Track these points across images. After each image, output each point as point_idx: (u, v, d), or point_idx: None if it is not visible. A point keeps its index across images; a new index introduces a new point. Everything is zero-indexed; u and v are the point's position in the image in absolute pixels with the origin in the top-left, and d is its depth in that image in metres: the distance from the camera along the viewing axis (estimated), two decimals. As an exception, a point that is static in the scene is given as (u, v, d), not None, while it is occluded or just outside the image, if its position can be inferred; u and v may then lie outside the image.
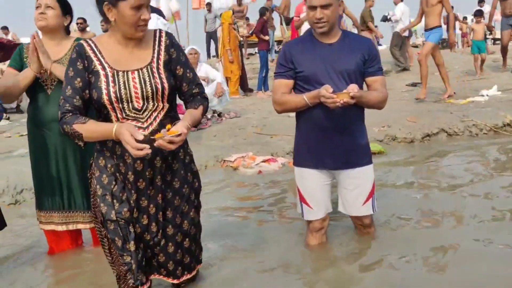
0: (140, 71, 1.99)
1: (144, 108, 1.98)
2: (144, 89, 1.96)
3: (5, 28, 9.88)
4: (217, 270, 2.65)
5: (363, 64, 2.60)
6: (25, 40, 13.21)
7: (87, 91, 1.98)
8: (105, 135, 1.92)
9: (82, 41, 2.05)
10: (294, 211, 3.42)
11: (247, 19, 14.98)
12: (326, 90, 2.36)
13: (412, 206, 3.56)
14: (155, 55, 2.04)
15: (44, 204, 2.91)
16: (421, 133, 5.84)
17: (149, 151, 1.80)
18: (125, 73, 1.97)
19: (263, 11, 10.49)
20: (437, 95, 7.88)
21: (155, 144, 1.84)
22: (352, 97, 2.34)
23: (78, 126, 1.92)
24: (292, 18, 9.71)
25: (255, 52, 13.61)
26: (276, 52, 12.67)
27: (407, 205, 3.58)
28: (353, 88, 2.36)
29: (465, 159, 4.94)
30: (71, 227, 2.92)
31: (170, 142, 1.84)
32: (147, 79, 1.98)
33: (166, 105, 2.03)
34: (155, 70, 2.00)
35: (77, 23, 9.98)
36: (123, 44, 2.02)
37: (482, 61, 10.44)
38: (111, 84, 1.95)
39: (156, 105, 2.00)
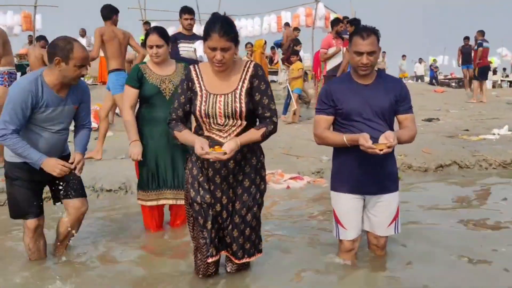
0: (226, 95, 2.57)
1: (225, 123, 2.58)
2: (226, 110, 2.56)
3: (42, 39, 10.45)
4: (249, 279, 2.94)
5: (395, 103, 2.87)
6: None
7: (188, 105, 2.65)
8: (190, 143, 2.56)
9: (190, 67, 2.70)
10: (320, 224, 3.88)
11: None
12: (365, 140, 2.58)
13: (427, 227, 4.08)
14: (240, 83, 2.60)
15: (145, 184, 3.73)
16: (435, 164, 6.38)
17: (207, 156, 2.42)
18: (215, 96, 2.58)
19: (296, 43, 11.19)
20: (451, 130, 8.42)
21: (207, 156, 2.43)
22: (389, 147, 2.58)
23: (176, 133, 2.63)
24: (297, 52, 10.38)
25: (276, 80, 14.15)
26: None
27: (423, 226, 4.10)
28: (389, 137, 2.59)
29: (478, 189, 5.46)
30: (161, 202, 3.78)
31: (217, 159, 2.43)
32: (230, 102, 2.56)
33: (244, 122, 2.60)
34: (237, 95, 2.57)
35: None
36: (216, 72, 2.61)
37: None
38: (203, 104, 2.57)
39: (235, 122, 2.58)
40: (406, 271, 3.14)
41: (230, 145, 2.45)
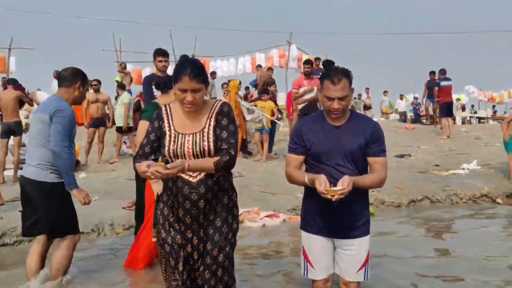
0: (194, 135, 2.61)
1: None
2: (194, 149, 2.59)
3: (13, 82, 10.33)
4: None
5: (366, 145, 2.72)
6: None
7: (156, 143, 2.67)
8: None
9: (162, 106, 2.74)
10: (295, 262, 3.87)
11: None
12: (319, 183, 2.51)
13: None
14: (208, 121, 2.65)
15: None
16: (407, 199, 6.51)
17: (148, 174, 2.38)
18: (184, 135, 2.62)
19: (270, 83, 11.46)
20: (422, 166, 8.63)
21: (149, 170, 2.40)
22: (341, 193, 2.47)
23: (136, 165, 2.56)
24: (267, 91, 10.64)
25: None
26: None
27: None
28: (345, 183, 2.51)
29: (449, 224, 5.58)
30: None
31: (156, 171, 2.40)
32: (198, 141, 2.59)
33: None
34: (205, 134, 2.61)
35: (91, 85, 10.78)
36: (187, 113, 2.64)
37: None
38: (172, 143, 2.60)
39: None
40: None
41: (175, 162, 2.44)
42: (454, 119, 14.39)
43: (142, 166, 2.43)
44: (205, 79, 2.56)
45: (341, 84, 2.67)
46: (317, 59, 12.60)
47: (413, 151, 10.79)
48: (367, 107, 20.65)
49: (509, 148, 7.42)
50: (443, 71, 12.70)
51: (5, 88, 9.51)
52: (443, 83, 12.59)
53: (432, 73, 14.06)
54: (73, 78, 3.65)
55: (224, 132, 2.63)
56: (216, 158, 2.55)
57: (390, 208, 6.40)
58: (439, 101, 12.86)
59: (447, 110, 12.71)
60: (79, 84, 3.65)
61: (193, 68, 2.50)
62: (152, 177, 2.42)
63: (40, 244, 3.61)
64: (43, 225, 3.50)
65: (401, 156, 10.00)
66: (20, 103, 9.34)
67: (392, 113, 22.27)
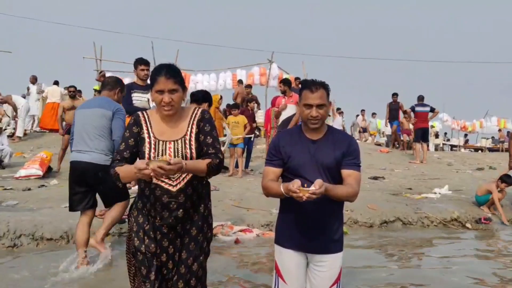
0: (175, 142, 2.58)
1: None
2: (176, 157, 2.52)
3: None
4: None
5: (341, 158, 2.75)
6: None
7: (135, 149, 2.60)
8: (131, 172, 2.42)
9: (139, 112, 2.69)
10: (266, 278, 3.86)
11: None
12: (293, 185, 2.50)
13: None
14: (189, 128, 2.62)
15: None
16: (379, 220, 6.58)
17: (148, 171, 2.28)
18: (164, 142, 2.58)
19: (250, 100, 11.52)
20: (395, 189, 8.76)
21: (149, 167, 2.30)
22: (313, 193, 2.47)
23: (117, 169, 2.52)
24: (238, 105, 10.71)
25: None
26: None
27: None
28: (317, 184, 2.50)
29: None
30: None
31: (160, 167, 2.30)
32: (180, 149, 2.57)
33: None
34: (187, 141, 2.59)
35: (69, 91, 10.66)
36: (165, 119, 2.63)
37: None
38: (153, 150, 2.55)
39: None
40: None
41: (177, 159, 2.37)
42: (427, 145, 14.69)
43: (137, 163, 2.34)
44: (181, 81, 2.56)
45: (319, 92, 2.73)
46: (297, 78, 12.80)
47: (387, 173, 10.96)
48: (362, 130, 20.15)
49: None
50: (420, 97, 12.99)
51: None
52: (418, 108, 12.87)
53: (395, 95, 14.52)
54: (115, 85, 4.53)
55: (208, 138, 2.63)
56: (208, 160, 2.54)
57: (362, 228, 6.45)
58: (414, 126, 13.14)
59: (421, 135, 12.97)
60: (118, 90, 4.52)
61: (168, 70, 2.53)
62: (151, 175, 2.32)
63: (88, 216, 4.31)
64: (107, 198, 4.40)
65: (375, 178, 10.14)
66: None
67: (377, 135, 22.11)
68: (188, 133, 2.62)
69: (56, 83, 14.67)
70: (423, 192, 8.54)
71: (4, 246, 4.72)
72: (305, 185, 2.54)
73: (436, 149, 22.54)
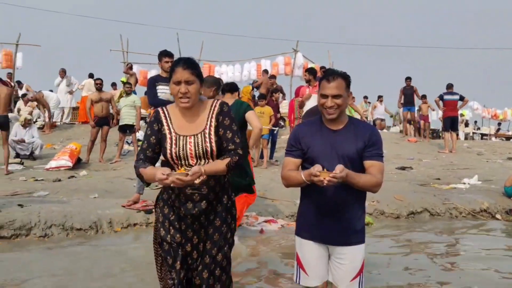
0: (195, 136, 2.61)
1: (197, 164, 2.59)
2: (197, 151, 2.58)
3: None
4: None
5: (363, 149, 2.71)
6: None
7: (158, 146, 2.65)
8: (154, 177, 2.49)
9: (159, 109, 2.72)
10: (290, 269, 3.86)
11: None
12: (314, 168, 2.50)
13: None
14: (208, 122, 2.64)
15: None
16: (406, 211, 6.49)
17: (168, 181, 2.36)
18: (185, 137, 2.61)
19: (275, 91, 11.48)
20: (423, 179, 8.62)
21: (169, 179, 2.37)
22: (333, 177, 2.46)
23: (141, 170, 2.57)
24: (264, 96, 10.66)
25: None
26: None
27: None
28: (338, 169, 2.49)
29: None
30: None
31: (178, 179, 2.39)
32: (200, 143, 2.59)
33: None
34: (206, 135, 2.61)
35: (96, 83, 10.85)
36: (184, 113, 2.66)
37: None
38: (174, 146, 2.59)
39: (206, 162, 2.60)
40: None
41: (193, 169, 2.44)
42: (457, 134, 14.38)
43: (158, 173, 2.41)
44: (199, 74, 2.59)
45: (336, 82, 2.68)
46: (322, 67, 12.66)
47: (415, 164, 10.79)
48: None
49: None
50: (449, 85, 12.72)
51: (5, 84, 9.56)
52: (447, 96, 12.61)
53: (408, 79, 14.19)
54: (211, 85, 4.87)
55: (228, 132, 2.64)
56: (227, 160, 2.57)
57: (389, 218, 6.37)
58: (443, 114, 12.89)
59: (450, 124, 12.71)
60: (214, 89, 4.88)
61: (186, 61, 2.58)
62: (172, 185, 2.43)
63: None
64: None
65: (403, 168, 10.00)
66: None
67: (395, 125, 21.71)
68: (208, 127, 2.64)
69: (91, 76, 14.94)
70: (452, 182, 8.37)
71: (36, 236, 4.86)
72: (324, 169, 2.51)
73: (466, 138, 22.03)
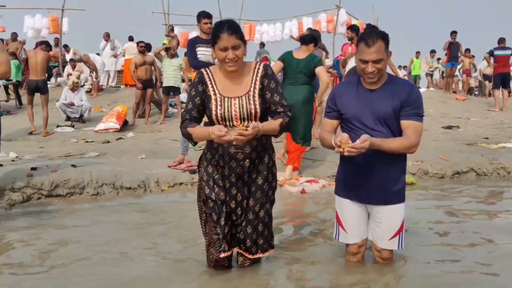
0: (240, 98, 2.66)
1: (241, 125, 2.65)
2: (241, 113, 2.65)
3: (44, 43, 10.58)
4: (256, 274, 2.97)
5: (400, 108, 2.68)
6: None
7: (202, 107, 2.72)
8: (206, 135, 2.58)
9: (202, 70, 2.78)
10: (331, 226, 3.94)
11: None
12: (336, 138, 2.55)
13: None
14: (253, 84, 2.70)
15: None
16: (451, 170, 6.37)
17: (227, 138, 2.42)
18: (230, 99, 2.67)
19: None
20: (470, 138, 8.37)
21: (228, 137, 2.43)
22: (353, 147, 2.48)
23: (190, 129, 2.66)
24: None
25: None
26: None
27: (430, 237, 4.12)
28: (360, 140, 2.50)
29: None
30: None
31: (240, 134, 2.43)
32: (244, 105, 2.65)
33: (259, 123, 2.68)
34: (251, 97, 2.66)
35: (139, 46, 10.99)
36: (228, 75, 2.70)
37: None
38: (219, 107, 2.65)
39: (249, 123, 2.63)
40: (417, 271, 3.09)
41: (253, 124, 2.51)
42: (509, 92, 13.74)
43: (215, 130, 2.46)
44: (243, 37, 2.62)
45: (376, 46, 2.62)
46: (367, 25, 12.26)
47: (462, 123, 10.48)
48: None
49: None
50: (501, 40, 12.05)
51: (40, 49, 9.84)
52: (498, 52, 11.98)
53: (454, 33, 13.46)
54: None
55: (275, 95, 2.70)
56: (280, 120, 2.65)
57: (433, 178, 6.29)
58: (494, 71, 12.31)
59: (501, 81, 12.15)
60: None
61: (230, 26, 2.58)
62: (234, 142, 2.48)
63: None
64: None
65: (449, 127, 9.75)
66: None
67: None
68: (252, 89, 2.69)
69: (131, 39, 15.15)
70: (501, 141, 8.10)
71: (89, 195, 5.14)
72: (349, 140, 2.53)
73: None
